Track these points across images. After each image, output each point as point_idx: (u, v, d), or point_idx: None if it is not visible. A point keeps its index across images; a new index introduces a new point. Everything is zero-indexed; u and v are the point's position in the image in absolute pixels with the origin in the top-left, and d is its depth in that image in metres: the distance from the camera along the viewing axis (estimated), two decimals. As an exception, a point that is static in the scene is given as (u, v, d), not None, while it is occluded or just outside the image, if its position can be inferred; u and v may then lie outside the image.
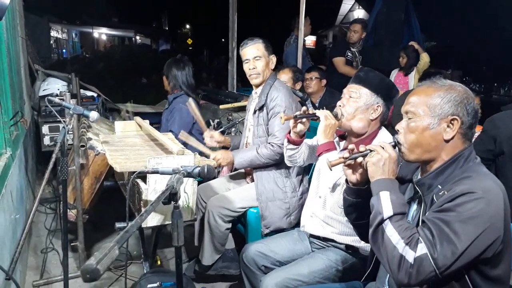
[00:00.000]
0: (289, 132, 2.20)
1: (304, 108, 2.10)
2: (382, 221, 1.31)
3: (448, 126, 1.37)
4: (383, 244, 1.29)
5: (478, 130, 3.04)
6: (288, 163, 2.38)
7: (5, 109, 2.71)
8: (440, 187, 1.35)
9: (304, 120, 2.10)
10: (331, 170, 1.55)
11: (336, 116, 2.06)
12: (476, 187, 1.24)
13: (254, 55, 2.67)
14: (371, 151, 1.44)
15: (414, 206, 1.49)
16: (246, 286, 2.26)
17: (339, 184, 2.02)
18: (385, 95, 2.03)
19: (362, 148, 1.47)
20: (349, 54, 5.32)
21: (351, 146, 1.50)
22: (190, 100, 2.95)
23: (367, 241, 1.74)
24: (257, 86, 2.75)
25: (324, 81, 4.13)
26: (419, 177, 1.49)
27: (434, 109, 1.37)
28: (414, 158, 1.43)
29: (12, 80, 3.11)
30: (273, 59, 2.73)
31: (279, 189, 2.59)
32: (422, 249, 1.22)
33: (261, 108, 2.65)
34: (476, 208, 1.21)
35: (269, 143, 2.58)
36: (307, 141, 2.29)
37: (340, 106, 2.08)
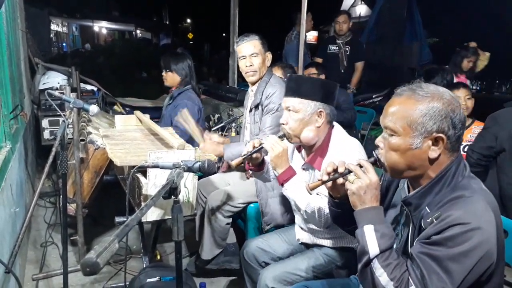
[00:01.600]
0: (248, 163, 2.12)
1: (248, 145, 2.00)
2: (370, 261, 1.24)
3: (433, 144, 1.25)
4: (373, 283, 1.24)
5: (479, 125, 3.03)
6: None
7: (5, 103, 2.70)
8: (428, 210, 1.26)
9: (255, 155, 2.01)
10: (310, 194, 1.52)
11: (283, 137, 1.99)
12: (468, 215, 1.15)
13: (251, 52, 2.65)
14: (349, 171, 1.35)
15: (401, 224, 1.42)
16: (246, 281, 2.27)
17: (300, 204, 1.94)
18: (322, 97, 1.94)
19: (340, 168, 1.38)
20: (332, 47, 5.21)
21: (328, 168, 1.40)
22: (185, 110, 2.84)
23: None
24: (253, 83, 2.74)
25: (323, 77, 3.99)
26: (406, 190, 1.42)
27: (416, 127, 1.24)
28: (398, 177, 1.38)
29: (12, 74, 3.10)
30: (269, 56, 2.72)
31: (279, 185, 2.57)
32: None
33: (256, 106, 2.65)
34: (469, 242, 1.13)
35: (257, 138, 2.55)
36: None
37: (283, 124, 1.99)
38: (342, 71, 5.12)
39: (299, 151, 2.15)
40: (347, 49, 5.12)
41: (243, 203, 2.63)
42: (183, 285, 1.62)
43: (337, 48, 5.17)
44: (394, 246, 1.31)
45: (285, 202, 2.57)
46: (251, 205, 2.63)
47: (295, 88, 1.96)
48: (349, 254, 2.05)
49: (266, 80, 2.67)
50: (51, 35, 20.52)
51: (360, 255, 1.28)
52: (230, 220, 2.64)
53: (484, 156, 2.61)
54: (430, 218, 1.22)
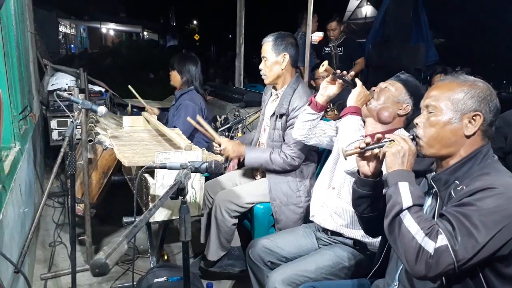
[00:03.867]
0: (315, 96, 2.20)
1: (344, 72, 2.12)
2: (401, 211, 1.28)
3: (469, 122, 1.35)
4: (400, 234, 1.26)
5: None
6: (296, 134, 2.30)
7: (14, 104, 2.72)
8: (457, 182, 1.33)
9: (339, 81, 2.11)
10: (345, 159, 1.53)
11: (370, 94, 2.10)
12: (496, 183, 1.22)
13: (262, 55, 2.62)
14: (390, 141, 1.41)
15: (428, 202, 1.47)
16: (252, 281, 2.27)
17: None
18: (416, 101, 2.03)
19: (379, 138, 1.45)
20: (326, 49, 5.41)
21: (367, 138, 1.46)
22: (199, 117, 2.84)
23: (372, 236, 1.73)
24: (274, 86, 2.70)
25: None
26: (433, 173, 1.47)
27: (457, 103, 1.36)
28: (432, 153, 1.41)
29: (21, 75, 3.13)
30: (285, 56, 2.55)
31: (293, 193, 2.56)
32: (442, 240, 1.19)
33: (281, 115, 2.56)
34: (497, 203, 1.19)
35: (282, 151, 2.53)
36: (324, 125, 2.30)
37: (374, 90, 2.12)
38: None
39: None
40: (340, 49, 5.30)
41: (251, 203, 2.63)
42: (190, 285, 1.62)
43: (329, 50, 5.37)
44: None
45: (299, 210, 2.56)
46: (258, 205, 2.63)
47: (403, 78, 2.09)
48: (359, 255, 2.06)
49: (293, 87, 2.55)
50: (60, 37, 20.67)
51: (391, 208, 1.31)
52: (236, 220, 2.64)
53: None
54: (461, 187, 1.30)
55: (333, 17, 5.37)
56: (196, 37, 28.43)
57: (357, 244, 2.07)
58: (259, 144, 2.83)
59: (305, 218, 2.56)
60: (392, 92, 2.05)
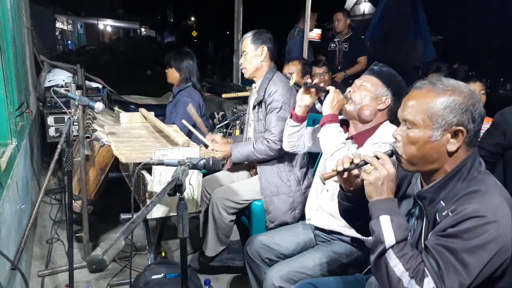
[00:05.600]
0: (294, 108, 2.20)
1: (316, 80, 2.12)
2: (385, 251, 1.23)
3: (452, 137, 1.25)
4: (387, 274, 1.22)
5: (488, 121, 3.02)
6: (286, 147, 2.34)
7: (11, 100, 2.71)
8: (443, 203, 1.26)
9: (312, 90, 2.10)
10: (324, 184, 1.51)
11: (345, 97, 2.08)
12: (484, 208, 1.15)
13: (242, 50, 2.72)
14: (366, 163, 1.34)
15: (415, 215, 1.41)
16: (250, 278, 2.27)
17: None
18: (395, 90, 2.03)
19: (356, 159, 1.36)
20: (332, 45, 5.33)
21: (344, 160, 1.38)
22: (190, 106, 3.02)
23: (366, 236, 1.73)
24: (251, 79, 2.76)
25: (330, 74, 4.10)
26: (418, 183, 1.41)
27: (436, 119, 1.24)
28: (414, 170, 1.35)
29: (18, 71, 3.11)
30: (263, 49, 2.65)
31: (283, 183, 2.58)
32: (429, 283, 1.15)
33: (259, 104, 2.64)
34: (485, 234, 1.12)
35: (265, 138, 2.57)
36: (308, 128, 2.29)
37: (350, 91, 2.09)
38: (339, 67, 5.19)
39: (343, 128, 2.18)
40: (345, 46, 5.22)
41: (247, 200, 2.63)
42: (188, 281, 1.62)
43: (335, 45, 5.28)
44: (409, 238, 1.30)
45: (289, 200, 2.57)
46: (256, 202, 2.64)
47: (377, 70, 2.08)
48: (357, 252, 2.06)
49: (269, 77, 2.65)
50: (56, 33, 20.58)
51: (375, 246, 1.26)
52: (233, 217, 2.65)
53: (492, 153, 2.60)
54: (446, 211, 1.22)
55: (340, 9, 5.35)
56: (194, 33, 28.35)
57: (355, 241, 2.07)
58: (247, 140, 2.85)
59: (296, 209, 2.58)
60: (368, 89, 2.04)
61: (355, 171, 1.38)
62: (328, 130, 2.03)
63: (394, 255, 1.21)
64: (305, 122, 2.25)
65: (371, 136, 2.04)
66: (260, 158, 2.59)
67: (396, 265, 1.20)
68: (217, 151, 2.70)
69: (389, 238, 1.23)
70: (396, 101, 2.04)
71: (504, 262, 1.17)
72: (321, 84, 2.13)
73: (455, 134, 1.25)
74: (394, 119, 2.08)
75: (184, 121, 2.96)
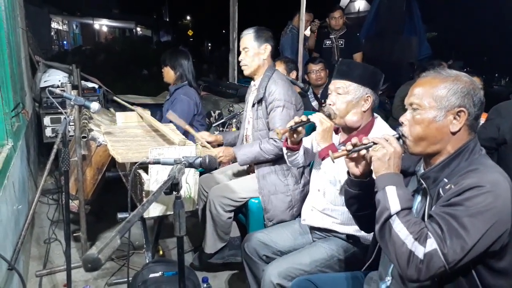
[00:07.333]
0: (286, 140, 2.17)
1: (296, 118, 2.07)
2: (390, 216, 1.29)
3: (454, 118, 1.35)
4: (390, 240, 1.27)
5: (483, 117, 3.04)
6: (290, 165, 2.38)
7: (6, 101, 2.71)
8: (446, 180, 1.33)
9: (300, 128, 2.06)
10: (333, 162, 1.54)
11: (329, 116, 2.04)
12: (484, 180, 1.22)
13: (242, 46, 2.69)
14: (374, 143, 1.41)
15: (418, 199, 1.47)
16: (247, 275, 2.28)
17: (338, 177, 2.01)
18: (371, 84, 2.03)
19: (365, 140, 1.45)
20: (327, 42, 5.33)
21: (354, 139, 1.47)
22: (170, 113, 2.94)
23: (367, 232, 1.75)
24: (251, 77, 2.75)
25: (327, 71, 4.09)
26: (422, 169, 1.47)
27: (440, 101, 1.35)
28: (419, 151, 1.41)
29: (13, 72, 3.10)
30: (267, 47, 2.66)
31: (280, 182, 2.58)
32: (432, 244, 1.20)
33: (259, 102, 2.63)
34: (485, 202, 1.20)
35: (271, 138, 2.56)
36: (304, 142, 2.26)
37: (330, 104, 2.06)
38: (334, 64, 5.20)
39: (337, 133, 2.19)
40: (341, 42, 5.23)
41: (244, 198, 2.64)
42: (185, 279, 1.63)
43: (331, 42, 5.28)
44: None
45: (287, 199, 2.57)
46: (253, 200, 2.64)
47: (347, 71, 2.04)
48: (353, 248, 2.08)
49: (268, 75, 2.64)
50: (52, 33, 20.47)
51: (380, 213, 1.32)
52: (231, 214, 2.65)
53: (486, 148, 2.61)
54: (449, 185, 1.30)
55: (337, 6, 5.36)
56: (190, 32, 28.29)
57: (350, 238, 2.08)
58: (246, 138, 2.84)
59: (294, 208, 2.58)
60: (347, 97, 2.01)
61: (363, 152, 1.45)
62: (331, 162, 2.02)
63: (398, 220, 1.28)
64: (302, 148, 2.22)
65: (369, 134, 2.03)
66: (268, 158, 2.58)
67: (400, 229, 1.26)
68: (221, 156, 2.66)
69: (395, 205, 1.30)
70: (376, 91, 2.04)
71: (503, 234, 1.22)
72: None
73: (457, 115, 1.34)
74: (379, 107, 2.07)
75: (170, 113, 2.91)
